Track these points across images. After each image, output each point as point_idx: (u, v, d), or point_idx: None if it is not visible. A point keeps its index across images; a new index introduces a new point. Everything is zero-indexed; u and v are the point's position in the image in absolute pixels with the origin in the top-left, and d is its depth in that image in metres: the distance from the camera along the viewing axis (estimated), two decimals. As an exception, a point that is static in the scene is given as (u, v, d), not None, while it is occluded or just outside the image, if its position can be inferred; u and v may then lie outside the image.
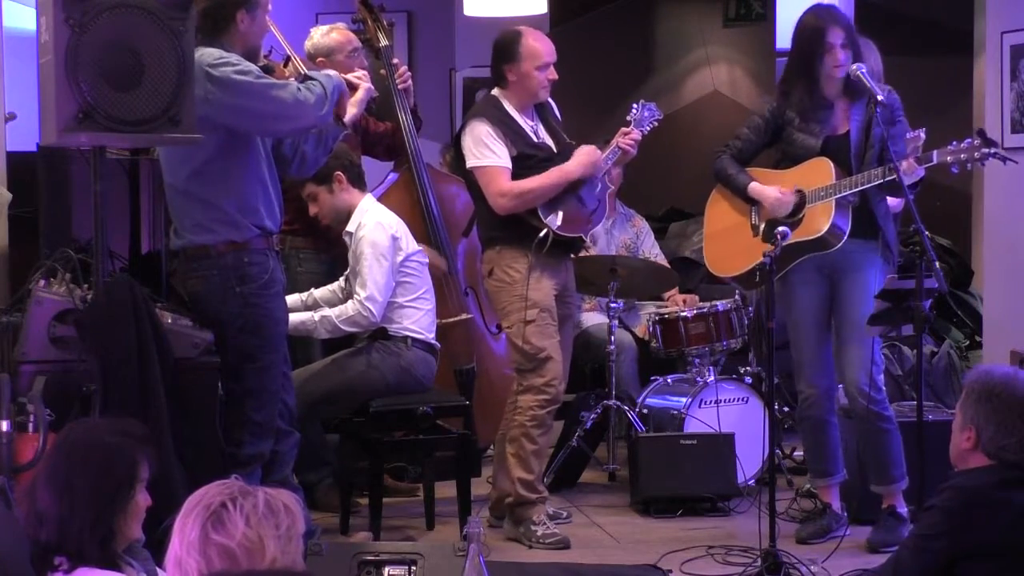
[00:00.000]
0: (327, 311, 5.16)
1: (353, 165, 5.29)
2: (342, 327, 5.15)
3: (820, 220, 4.85)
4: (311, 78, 4.37)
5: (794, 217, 4.89)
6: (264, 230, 4.33)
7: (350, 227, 5.23)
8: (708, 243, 5.29)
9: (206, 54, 4.16)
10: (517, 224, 5.07)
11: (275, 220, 4.40)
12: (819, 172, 4.88)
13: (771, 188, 4.96)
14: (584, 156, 5.10)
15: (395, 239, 5.19)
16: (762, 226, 4.98)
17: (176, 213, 4.36)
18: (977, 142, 4.66)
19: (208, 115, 4.12)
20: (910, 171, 4.78)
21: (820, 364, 5.00)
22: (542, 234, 5.01)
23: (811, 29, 4.86)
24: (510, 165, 5.07)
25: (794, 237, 4.80)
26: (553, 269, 5.14)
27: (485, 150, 5.08)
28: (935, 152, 4.73)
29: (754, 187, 5.00)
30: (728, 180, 5.07)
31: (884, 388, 5.03)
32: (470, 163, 5.12)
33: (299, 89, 4.26)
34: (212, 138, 4.17)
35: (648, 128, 5.24)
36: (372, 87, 4.72)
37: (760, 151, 5.14)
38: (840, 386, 5.14)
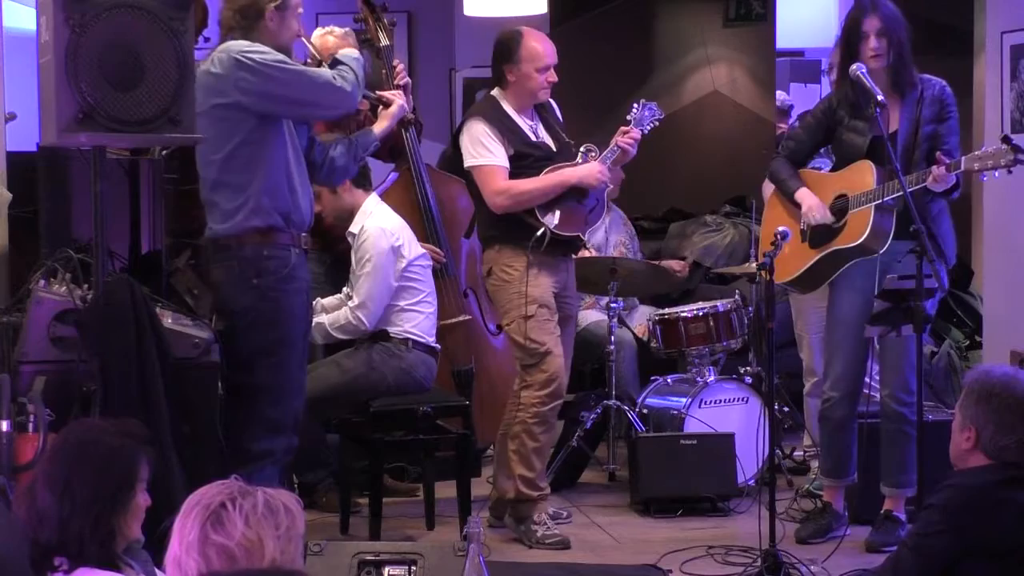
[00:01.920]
0: (322, 317, 5.18)
1: (365, 178, 5.32)
2: (334, 334, 5.20)
3: (860, 227, 4.81)
4: (340, 62, 4.43)
5: (838, 223, 4.87)
6: (288, 220, 4.34)
7: (353, 228, 5.26)
8: (764, 246, 5.25)
9: (235, 44, 4.25)
10: (515, 223, 5.07)
11: (301, 214, 4.40)
12: (861, 176, 4.85)
13: (811, 197, 4.94)
14: (589, 169, 5.09)
15: (396, 248, 5.19)
16: (809, 231, 4.97)
17: (207, 206, 4.39)
18: (1004, 148, 4.65)
19: (239, 101, 4.22)
20: (942, 179, 4.74)
21: (852, 369, 4.99)
22: (539, 233, 5.01)
23: (851, 19, 4.89)
24: (507, 164, 5.07)
25: (837, 244, 4.85)
26: (552, 268, 5.14)
27: (482, 149, 5.08)
28: (963, 158, 4.70)
29: (801, 193, 4.98)
30: (780, 184, 5.08)
31: (915, 392, 5.02)
32: (467, 162, 5.13)
33: (334, 77, 4.33)
34: (243, 123, 4.25)
35: (648, 128, 5.23)
36: (406, 105, 4.85)
37: (814, 152, 5.17)
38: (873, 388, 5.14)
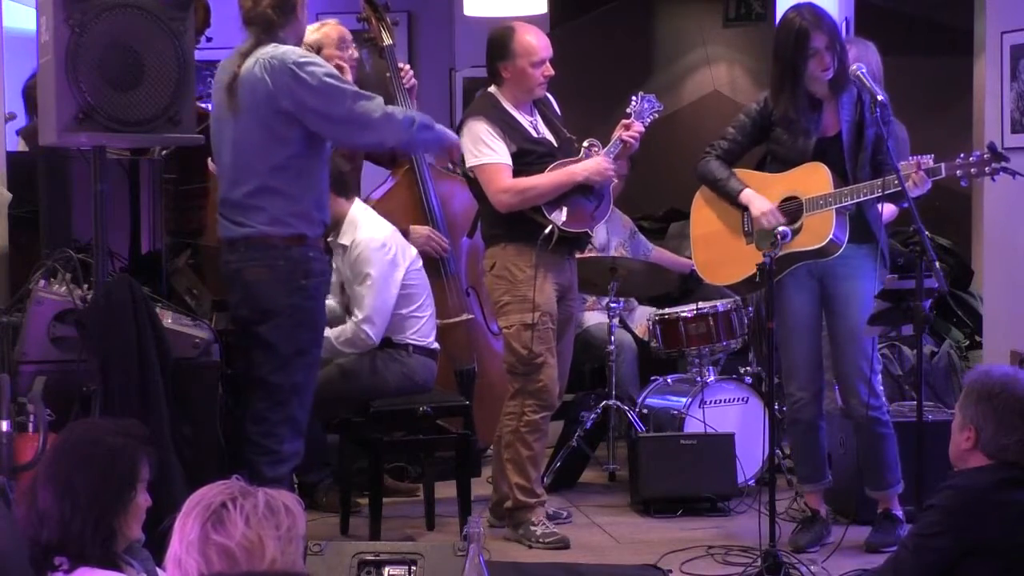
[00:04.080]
0: (327, 331, 5.14)
1: (338, 174, 5.19)
2: (341, 348, 5.17)
3: (821, 230, 4.75)
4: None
5: (791, 225, 4.78)
6: (325, 227, 4.46)
7: (343, 239, 5.21)
8: (697, 248, 5.18)
9: (289, 52, 4.26)
10: (522, 221, 5.02)
11: (329, 220, 4.52)
12: (816, 179, 4.79)
13: (761, 200, 4.86)
14: (594, 164, 5.04)
15: (393, 259, 5.16)
16: (756, 232, 4.89)
17: (242, 207, 4.35)
18: (987, 155, 4.63)
19: (291, 111, 4.24)
20: (920, 183, 4.72)
21: (812, 368, 4.95)
22: (547, 230, 4.97)
23: (795, 33, 4.75)
24: (510, 162, 5.03)
25: (794, 246, 4.75)
26: (557, 268, 5.11)
27: (484, 148, 5.04)
28: (944, 165, 4.68)
29: (747, 195, 4.90)
30: (716, 184, 4.98)
31: (883, 392, 5.02)
32: (470, 162, 5.08)
33: (386, 104, 4.36)
34: (295, 134, 4.28)
35: (648, 120, 5.18)
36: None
37: (746, 152, 5.06)
38: (835, 388, 5.12)
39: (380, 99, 4.37)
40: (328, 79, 4.26)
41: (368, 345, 5.16)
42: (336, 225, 5.21)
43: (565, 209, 5.01)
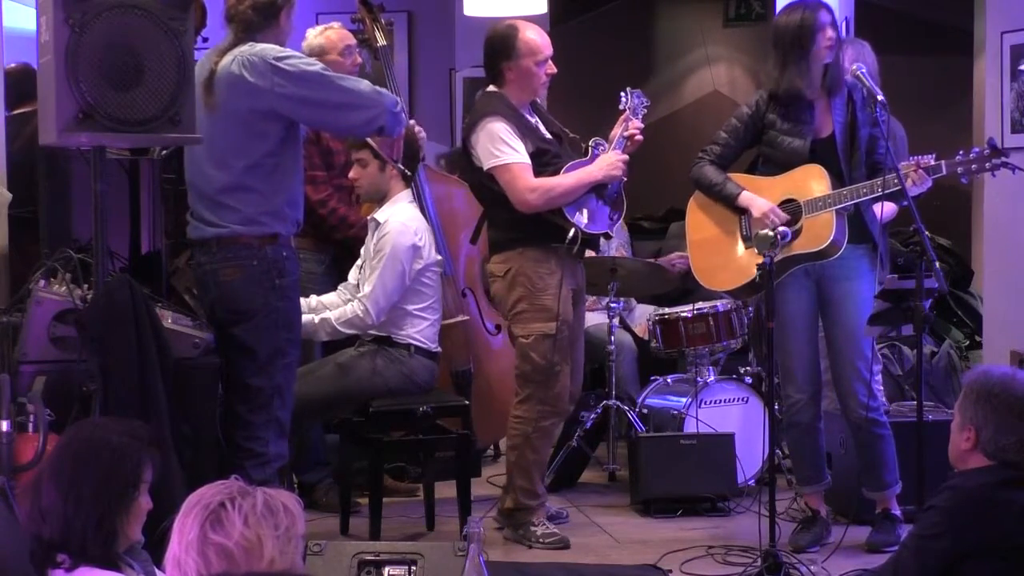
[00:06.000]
0: (327, 313, 5.14)
1: (415, 161, 5.26)
2: (341, 329, 5.13)
3: (822, 232, 4.73)
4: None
5: (791, 228, 4.75)
6: (298, 226, 4.42)
7: (379, 216, 5.19)
8: (694, 252, 5.13)
9: (267, 48, 4.24)
10: (540, 224, 4.94)
11: (302, 219, 4.49)
12: (812, 180, 4.78)
13: (761, 201, 4.84)
14: (609, 162, 4.99)
15: (417, 247, 5.14)
16: (755, 236, 4.89)
17: (212, 205, 4.33)
18: (987, 151, 4.63)
19: (273, 107, 4.21)
20: (920, 181, 4.72)
21: (810, 369, 4.94)
22: (571, 233, 4.91)
23: (800, 14, 4.75)
24: (530, 161, 4.95)
25: (794, 249, 4.73)
26: (571, 271, 5.07)
27: (504, 147, 4.93)
28: (944, 163, 4.68)
29: (745, 197, 4.88)
30: (712, 189, 4.94)
31: (881, 392, 5.00)
32: (489, 163, 4.96)
33: (371, 85, 4.34)
34: (273, 131, 4.25)
35: (640, 115, 5.17)
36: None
37: (740, 155, 5.04)
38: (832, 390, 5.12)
39: (365, 80, 4.36)
40: (309, 68, 4.25)
41: (366, 324, 5.11)
42: (382, 198, 5.22)
43: (585, 211, 4.97)
